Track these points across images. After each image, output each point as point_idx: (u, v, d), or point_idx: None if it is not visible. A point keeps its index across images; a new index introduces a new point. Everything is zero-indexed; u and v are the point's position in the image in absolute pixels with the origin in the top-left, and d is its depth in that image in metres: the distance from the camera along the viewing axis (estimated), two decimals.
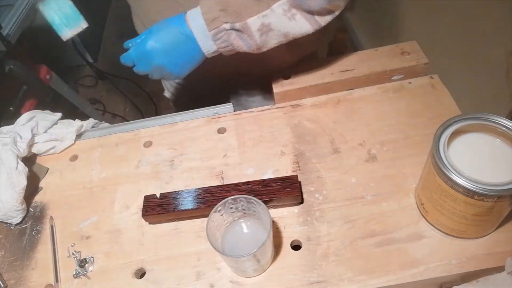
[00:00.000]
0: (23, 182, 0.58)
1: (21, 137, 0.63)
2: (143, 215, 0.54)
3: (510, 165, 0.42)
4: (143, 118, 0.73)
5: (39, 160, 0.67)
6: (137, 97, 2.01)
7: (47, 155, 0.67)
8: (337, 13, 0.55)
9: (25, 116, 0.65)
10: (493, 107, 1.03)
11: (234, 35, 0.53)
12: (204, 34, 0.52)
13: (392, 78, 0.67)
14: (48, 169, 0.65)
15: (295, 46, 0.61)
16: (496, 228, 0.47)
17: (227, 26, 0.52)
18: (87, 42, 2.07)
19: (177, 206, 0.53)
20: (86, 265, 0.53)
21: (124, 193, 0.60)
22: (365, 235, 0.50)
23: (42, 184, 0.64)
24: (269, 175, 0.58)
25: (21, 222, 0.59)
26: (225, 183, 0.58)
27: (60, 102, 1.38)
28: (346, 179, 0.55)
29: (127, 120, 0.89)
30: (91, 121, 0.71)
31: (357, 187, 0.54)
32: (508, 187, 0.38)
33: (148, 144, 0.66)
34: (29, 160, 0.65)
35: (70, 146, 0.67)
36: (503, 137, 0.44)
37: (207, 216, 0.46)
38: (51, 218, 0.59)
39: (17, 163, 0.59)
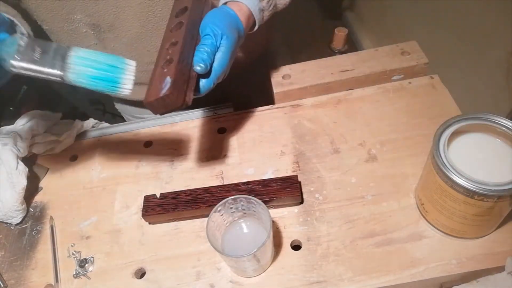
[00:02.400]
0: (23, 182, 0.58)
1: (21, 137, 0.63)
2: (143, 215, 0.54)
3: (510, 165, 0.42)
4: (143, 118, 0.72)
5: (39, 160, 0.67)
6: None
7: (47, 155, 0.67)
8: None
9: (25, 116, 0.65)
10: (493, 107, 1.03)
11: None
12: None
13: (392, 78, 0.67)
14: (48, 169, 0.65)
15: (244, 47, 0.61)
16: (496, 228, 0.47)
17: None
18: None
19: (177, 206, 0.53)
20: (86, 265, 0.53)
21: (124, 193, 0.60)
22: (365, 235, 0.50)
23: (42, 184, 0.64)
24: (269, 175, 0.58)
25: (21, 222, 0.59)
26: (225, 183, 0.58)
27: (60, 102, 1.38)
28: (346, 179, 0.55)
29: (127, 120, 0.89)
30: (91, 121, 0.71)
31: (357, 187, 0.54)
32: (508, 187, 0.38)
33: (148, 144, 0.66)
34: (29, 160, 0.65)
35: (70, 146, 0.67)
36: (503, 137, 0.44)
37: (207, 216, 0.46)
38: (51, 218, 0.59)
39: (17, 163, 0.59)
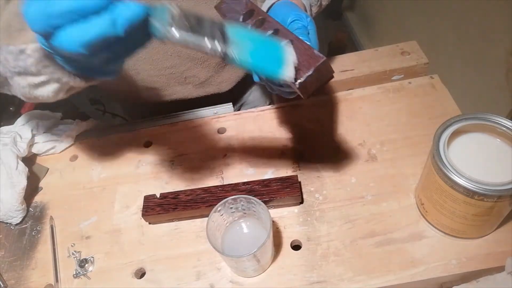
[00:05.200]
0: (23, 182, 0.58)
1: (21, 137, 0.63)
2: (143, 215, 0.54)
3: (510, 165, 0.42)
4: (143, 118, 0.72)
5: (39, 160, 0.67)
6: None
7: (47, 155, 0.67)
8: None
9: (25, 116, 0.65)
10: (493, 107, 1.03)
11: None
12: None
13: (392, 78, 0.67)
14: (48, 169, 0.65)
15: None
16: (496, 228, 0.47)
17: None
18: None
19: (177, 206, 0.53)
20: (86, 265, 0.53)
21: (124, 193, 0.60)
22: (365, 235, 0.50)
23: (42, 184, 0.64)
24: (269, 175, 0.58)
25: (21, 222, 0.59)
26: (225, 183, 0.58)
27: (60, 102, 1.38)
28: (346, 179, 0.55)
29: (127, 120, 0.89)
30: (91, 121, 0.71)
31: (357, 187, 0.54)
32: (508, 187, 0.38)
33: (148, 144, 0.66)
34: (29, 160, 0.65)
35: (70, 146, 0.67)
36: (503, 137, 0.44)
37: (207, 216, 0.46)
38: (51, 218, 0.59)
39: (17, 163, 0.59)
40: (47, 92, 0.42)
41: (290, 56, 0.36)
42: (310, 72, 0.36)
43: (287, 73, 0.35)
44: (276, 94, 0.67)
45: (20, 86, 0.41)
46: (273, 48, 0.35)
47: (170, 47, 0.63)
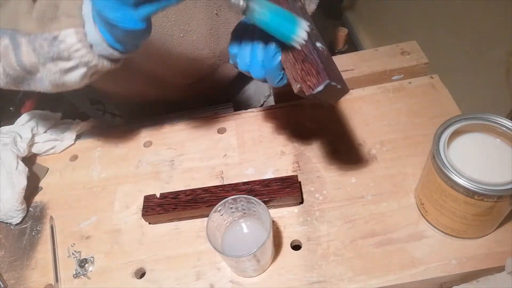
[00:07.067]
0: (23, 182, 0.58)
1: (21, 137, 0.63)
2: (143, 215, 0.54)
3: (510, 165, 0.42)
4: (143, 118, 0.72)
5: (39, 160, 0.67)
6: None
7: (47, 155, 0.67)
8: None
9: (25, 116, 0.65)
10: (493, 107, 1.03)
11: None
12: None
13: (392, 78, 0.67)
14: (48, 169, 0.65)
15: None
16: (496, 228, 0.47)
17: None
18: None
19: (177, 206, 0.53)
20: (86, 265, 0.53)
21: (124, 193, 0.60)
22: (365, 235, 0.50)
23: (42, 184, 0.64)
24: (269, 175, 0.58)
25: (21, 222, 0.59)
26: (225, 183, 0.58)
27: (60, 102, 1.38)
28: (346, 179, 0.55)
29: (128, 120, 0.89)
30: (91, 121, 0.71)
31: (357, 187, 0.54)
32: (508, 187, 0.38)
33: (148, 144, 0.66)
34: (29, 160, 0.65)
35: (70, 146, 0.67)
36: (503, 137, 0.44)
37: (207, 216, 0.46)
38: (51, 218, 0.59)
39: (17, 163, 0.59)
40: (75, 77, 0.45)
41: (305, 24, 0.38)
42: (332, 84, 0.37)
43: (301, 33, 0.38)
44: (275, 94, 0.67)
45: (51, 72, 0.45)
46: (291, 15, 0.38)
47: (160, 50, 0.62)
